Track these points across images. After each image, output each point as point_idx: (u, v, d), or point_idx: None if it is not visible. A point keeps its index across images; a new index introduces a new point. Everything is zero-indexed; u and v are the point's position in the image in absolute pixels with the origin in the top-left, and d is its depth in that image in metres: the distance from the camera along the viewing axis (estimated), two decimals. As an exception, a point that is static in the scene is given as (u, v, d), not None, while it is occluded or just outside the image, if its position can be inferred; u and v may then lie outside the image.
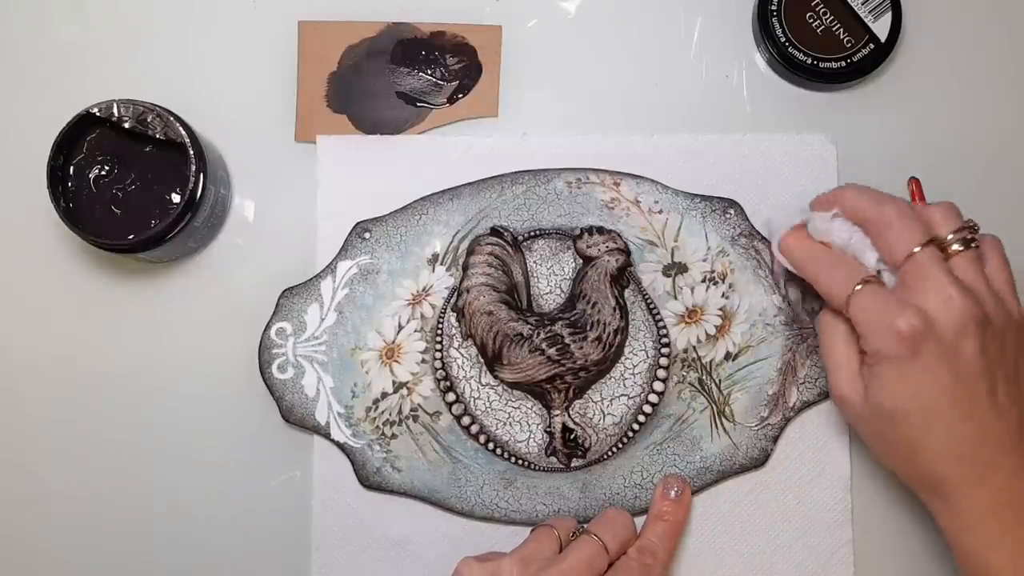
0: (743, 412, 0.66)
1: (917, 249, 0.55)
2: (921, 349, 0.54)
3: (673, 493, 0.64)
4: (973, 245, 0.57)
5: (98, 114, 0.62)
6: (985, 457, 0.55)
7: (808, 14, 0.67)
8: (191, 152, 0.62)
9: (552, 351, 0.65)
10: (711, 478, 0.65)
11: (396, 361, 0.66)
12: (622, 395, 0.66)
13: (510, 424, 0.65)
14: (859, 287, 0.55)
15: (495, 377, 0.66)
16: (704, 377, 0.66)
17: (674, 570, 0.65)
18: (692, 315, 0.66)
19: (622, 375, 0.66)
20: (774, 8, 0.67)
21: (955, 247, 0.56)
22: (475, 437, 0.65)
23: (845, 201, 0.58)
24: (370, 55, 0.68)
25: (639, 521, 0.64)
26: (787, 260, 0.60)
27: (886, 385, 0.55)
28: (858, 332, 0.56)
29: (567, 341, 0.65)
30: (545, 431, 0.66)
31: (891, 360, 0.55)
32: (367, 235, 0.66)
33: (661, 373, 0.66)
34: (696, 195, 0.67)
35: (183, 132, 0.62)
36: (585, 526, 0.62)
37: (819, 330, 0.60)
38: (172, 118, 0.62)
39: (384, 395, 0.65)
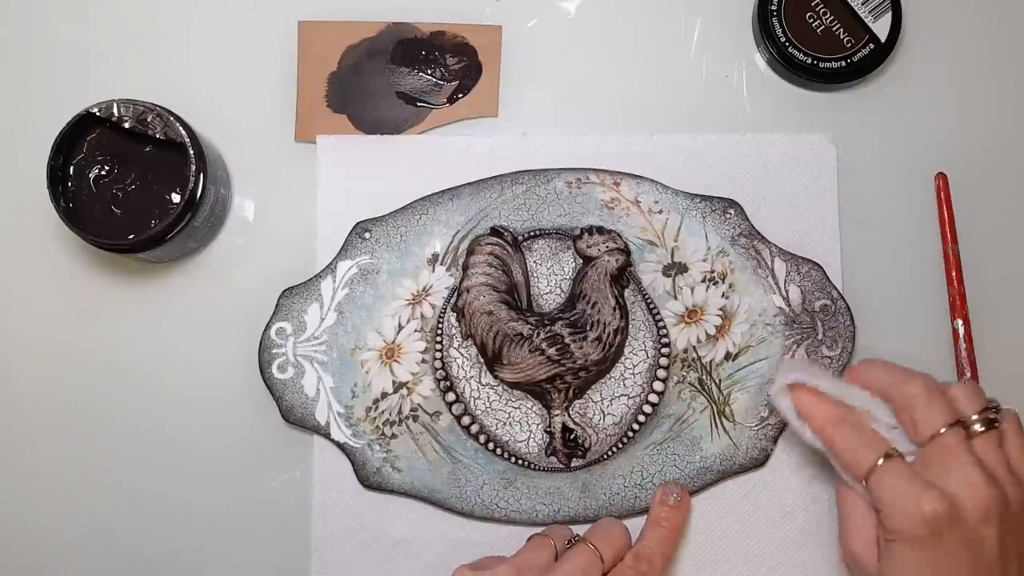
0: (743, 412, 0.66)
1: (943, 430, 0.54)
2: (944, 535, 0.53)
3: (672, 499, 0.63)
4: (996, 426, 0.56)
5: (98, 114, 0.62)
6: None
7: (808, 14, 0.67)
8: (191, 152, 0.62)
9: (552, 351, 0.65)
10: (711, 478, 0.65)
11: (396, 361, 0.66)
12: (622, 395, 0.66)
13: (510, 424, 0.65)
14: (881, 462, 0.55)
15: (495, 377, 0.66)
16: (704, 377, 0.66)
17: (674, 570, 0.65)
18: (692, 315, 0.66)
19: (622, 375, 0.66)
20: (774, 8, 0.67)
21: (978, 427, 0.55)
22: (475, 437, 0.65)
23: (871, 376, 0.58)
24: (370, 55, 0.68)
25: (638, 524, 0.64)
26: (805, 419, 0.58)
27: (903, 565, 0.54)
28: (877, 507, 0.55)
29: (567, 341, 0.65)
30: (545, 431, 0.65)
31: (912, 541, 0.53)
32: (367, 235, 0.66)
33: (661, 373, 0.66)
34: (696, 195, 0.67)
35: (183, 132, 0.62)
36: (580, 535, 0.62)
37: (837, 494, 0.59)
38: (172, 118, 0.62)
39: (384, 395, 0.65)
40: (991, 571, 0.53)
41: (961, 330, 0.66)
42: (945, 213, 0.67)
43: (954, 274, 0.67)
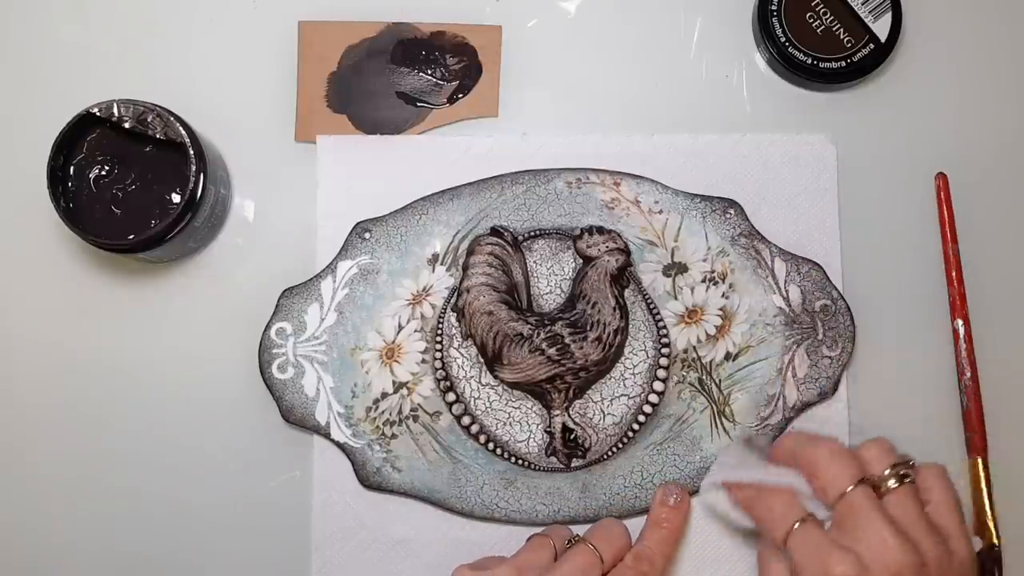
0: (743, 412, 0.66)
1: (849, 489, 0.54)
2: None
3: (672, 500, 0.63)
4: (908, 480, 0.55)
5: (98, 114, 0.62)
6: None
7: (808, 14, 0.67)
8: (191, 152, 0.62)
9: (552, 351, 0.65)
10: (711, 478, 0.65)
11: (396, 361, 0.66)
12: (622, 395, 0.66)
13: (510, 424, 0.65)
14: (796, 525, 0.55)
15: (495, 377, 0.66)
16: (704, 377, 0.66)
17: (675, 570, 0.65)
18: (692, 315, 0.66)
19: (622, 375, 0.66)
20: (774, 8, 0.67)
21: (891, 483, 0.55)
22: (475, 437, 0.65)
23: (784, 449, 0.58)
24: (370, 55, 0.68)
25: (638, 524, 0.64)
26: (732, 495, 0.59)
27: None
28: (794, 570, 0.55)
29: (567, 341, 0.65)
30: (545, 431, 0.66)
31: None
32: (367, 235, 0.66)
33: (661, 373, 0.66)
34: (696, 195, 0.67)
35: (183, 132, 0.62)
36: (580, 535, 0.62)
37: (758, 560, 0.59)
38: (172, 118, 0.62)
39: (384, 395, 0.65)
40: None
41: (961, 330, 0.66)
42: (945, 213, 0.67)
43: (954, 274, 0.67)
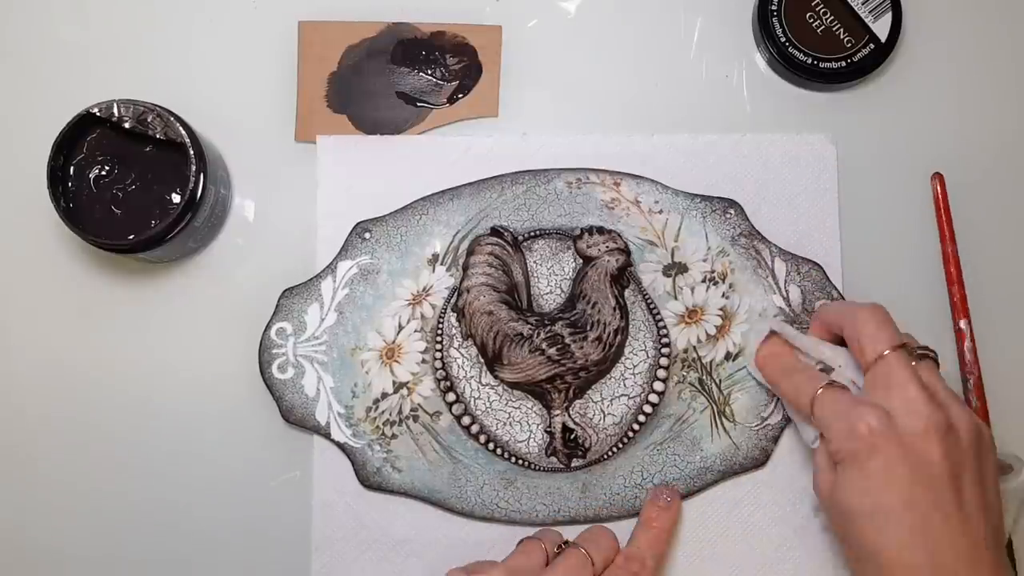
0: (743, 412, 0.66)
1: (886, 352, 0.55)
2: (879, 447, 0.53)
3: (663, 501, 0.64)
4: (935, 359, 0.57)
5: (98, 114, 0.62)
6: (943, 569, 0.52)
7: (808, 14, 0.67)
8: (191, 152, 0.62)
9: (552, 351, 0.65)
10: (711, 478, 0.65)
11: (396, 361, 0.66)
12: (622, 395, 0.66)
13: (510, 424, 0.65)
14: (820, 391, 0.56)
15: (495, 377, 0.66)
16: (704, 377, 0.66)
17: (674, 570, 0.65)
18: (692, 315, 0.66)
19: (622, 375, 0.66)
20: (774, 8, 0.67)
21: (924, 357, 0.57)
22: (475, 437, 0.65)
23: (829, 315, 0.59)
24: (370, 55, 0.68)
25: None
26: (760, 371, 0.62)
27: (844, 484, 0.55)
28: (822, 434, 0.56)
29: (567, 341, 0.65)
30: (545, 431, 0.65)
31: (851, 458, 0.54)
32: (367, 235, 0.66)
33: (661, 373, 0.66)
34: (696, 195, 0.67)
35: (183, 132, 0.62)
36: (571, 539, 0.62)
37: (812, 454, 0.60)
38: (172, 118, 0.62)
39: (384, 395, 0.65)
40: (935, 488, 0.53)
41: (967, 330, 0.66)
42: (943, 214, 0.67)
43: (954, 271, 0.67)
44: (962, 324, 0.66)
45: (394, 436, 0.65)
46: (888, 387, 0.54)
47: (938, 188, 0.67)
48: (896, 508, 0.53)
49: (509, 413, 0.66)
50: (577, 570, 0.59)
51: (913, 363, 0.55)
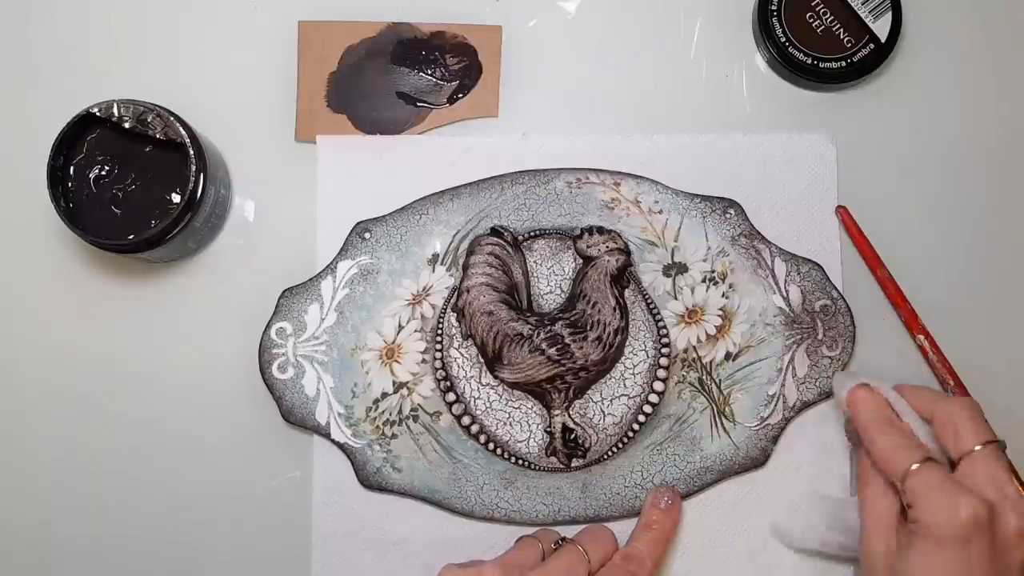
0: (743, 412, 0.66)
1: (978, 448, 0.56)
2: (973, 541, 0.53)
3: (663, 503, 0.64)
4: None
5: (98, 114, 0.62)
6: None
7: (808, 14, 0.67)
8: (191, 152, 0.62)
9: (552, 351, 0.65)
10: (711, 478, 0.65)
11: (396, 361, 0.66)
12: (622, 395, 0.66)
13: (510, 424, 0.65)
14: (920, 464, 0.55)
15: (495, 377, 0.66)
16: (704, 377, 0.66)
17: (674, 570, 0.65)
18: (692, 315, 0.66)
19: (622, 375, 0.66)
20: (774, 8, 0.67)
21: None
22: (475, 437, 0.65)
23: (921, 396, 0.60)
24: (370, 55, 0.68)
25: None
26: (852, 413, 0.60)
27: (926, 560, 0.54)
28: (911, 503, 0.55)
29: (567, 341, 0.65)
30: (545, 431, 0.66)
31: (941, 541, 0.54)
32: (367, 235, 0.66)
33: (661, 373, 0.66)
34: (696, 195, 0.67)
35: (183, 132, 0.62)
36: (569, 537, 0.62)
37: (860, 483, 0.60)
38: (172, 118, 0.62)
39: (384, 395, 0.65)
40: None
41: (926, 344, 0.66)
42: (862, 243, 0.66)
43: (894, 293, 0.66)
44: (921, 341, 0.66)
45: (394, 436, 0.65)
46: (982, 482, 0.55)
47: (846, 221, 0.67)
48: None
49: (509, 413, 0.66)
50: (572, 566, 0.59)
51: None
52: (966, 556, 0.53)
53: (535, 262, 0.66)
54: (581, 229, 0.66)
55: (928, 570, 0.54)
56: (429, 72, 0.68)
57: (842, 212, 0.67)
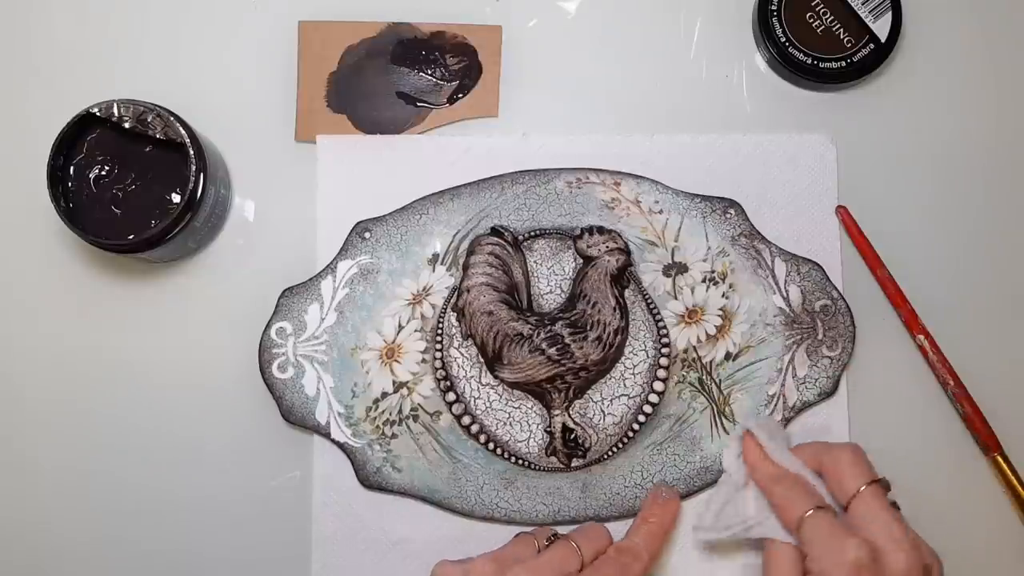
0: (743, 412, 0.66)
1: (862, 488, 0.58)
2: None
3: (661, 497, 0.64)
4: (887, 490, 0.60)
5: (98, 114, 0.62)
6: None
7: (808, 14, 0.67)
8: (191, 152, 0.62)
9: (552, 351, 0.65)
10: (711, 478, 0.65)
11: (396, 361, 0.66)
12: (622, 395, 0.66)
13: (510, 424, 0.65)
14: (811, 512, 0.57)
15: (495, 377, 0.66)
16: (704, 377, 0.66)
17: (671, 570, 0.65)
18: (692, 315, 0.66)
19: (622, 375, 0.66)
20: (774, 8, 0.67)
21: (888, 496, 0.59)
22: (475, 437, 0.65)
23: (807, 452, 0.61)
24: (370, 55, 0.68)
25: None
26: (750, 470, 0.62)
27: None
28: (807, 553, 0.57)
29: (567, 341, 0.65)
30: (545, 431, 0.65)
31: None
32: (367, 235, 0.66)
33: (661, 373, 0.66)
34: (696, 195, 0.67)
35: (183, 132, 0.62)
36: (563, 533, 0.62)
37: (764, 548, 0.61)
38: (172, 118, 0.62)
39: (384, 395, 0.65)
40: None
41: (926, 344, 0.66)
42: (862, 243, 0.67)
43: (894, 293, 0.66)
44: (921, 341, 0.66)
45: (394, 436, 0.65)
46: (868, 521, 0.57)
47: (847, 221, 0.67)
48: None
49: (509, 413, 0.66)
50: (564, 559, 0.59)
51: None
52: None
53: (535, 262, 0.66)
54: (581, 229, 0.66)
55: None
56: (429, 72, 0.68)
57: (842, 212, 0.67)
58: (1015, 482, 0.65)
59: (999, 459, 0.65)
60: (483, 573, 0.58)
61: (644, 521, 0.63)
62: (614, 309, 0.65)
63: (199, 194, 0.62)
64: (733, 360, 0.66)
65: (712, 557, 0.65)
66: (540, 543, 0.61)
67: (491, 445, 0.65)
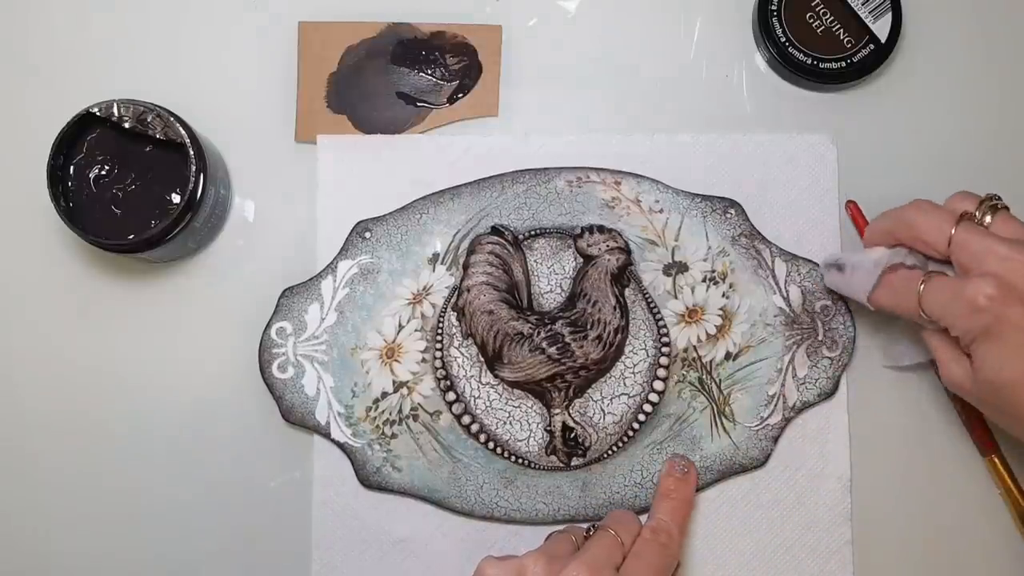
0: (743, 412, 0.66)
1: (953, 231, 0.55)
2: (1005, 315, 0.52)
3: (679, 470, 0.64)
4: (1000, 207, 0.57)
5: (98, 114, 0.62)
6: None
7: (808, 14, 0.67)
8: (191, 152, 0.62)
9: (552, 350, 0.65)
10: (711, 478, 0.65)
11: (396, 360, 0.66)
12: (622, 394, 0.66)
13: (510, 423, 0.65)
14: (923, 285, 0.55)
15: (495, 376, 0.66)
16: (704, 377, 0.66)
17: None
18: (692, 314, 0.66)
19: (622, 374, 0.66)
20: (774, 8, 0.67)
21: (987, 219, 0.56)
22: (475, 436, 0.65)
23: (880, 230, 0.59)
24: (370, 55, 0.68)
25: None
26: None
27: (986, 362, 0.54)
28: (944, 326, 0.55)
29: (567, 340, 0.65)
30: (545, 430, 0.65)
31: (982, 336, 0.53)
32: (367, 235, 0.66)
33: (661, 372, 0.66)
34: (696, 195, 0.67)
35: (183, 132, 0.62)
36: (596, 524, 0.62)
37: (924, 338, 0.59)
38: (172, 118, 0.62)
39: (384, 394, 0.65)
40: None
41: None
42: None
43: None
44: None
45: (394, 436, 0.65)
46: (977, 260, 0.54)
47: (856, 216, 0.67)
48: None
49: (509, 412, 0.66)
50: (610, 549, 0.58)
51: (988, 219, 0.55)
52: (1012, 328, 0.52)
53: (535, 261, 0.66)
54: (581, 228, 0.66)
55: (1003, 367, 0.53)
56: (429, 72, 0.68)
57: (852, 207, 0.67)
58: (1011, 484, 0.65)
59: (996, 461, 0.65)
60: (536, 572, 0.56)
61: (666, 496, 0.63)
62: (614, 308, 0.65)
63: (199, 194, 0.62)
64: (733, 360, 0.66)
65: (712, 557, 0.65)
66: (578, 539, 0.60)
67: (491, 444, 0.65)
